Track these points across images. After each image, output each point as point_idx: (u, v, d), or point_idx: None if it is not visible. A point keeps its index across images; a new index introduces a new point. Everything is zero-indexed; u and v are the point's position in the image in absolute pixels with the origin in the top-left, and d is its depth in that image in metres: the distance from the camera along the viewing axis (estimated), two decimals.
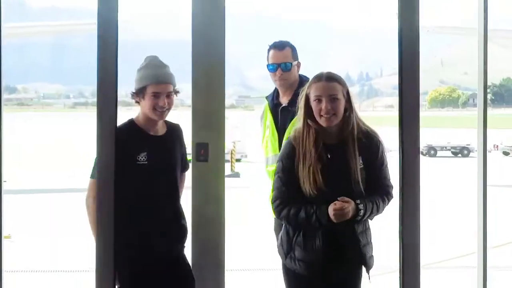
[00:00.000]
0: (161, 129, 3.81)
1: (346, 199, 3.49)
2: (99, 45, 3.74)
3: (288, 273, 3.75)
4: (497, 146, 28.58)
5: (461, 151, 27.91)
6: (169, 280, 3.80)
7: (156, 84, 3.67)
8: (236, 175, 18.64)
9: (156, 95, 3.66)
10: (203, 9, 3.95)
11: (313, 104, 3.58)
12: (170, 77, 3.72)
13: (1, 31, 4.04)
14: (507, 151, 29.33)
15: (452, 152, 28.56)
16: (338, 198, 3.48)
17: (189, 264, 3.87)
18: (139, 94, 3.70)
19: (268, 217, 4.31)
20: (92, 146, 3.62)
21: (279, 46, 4.52)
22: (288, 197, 3.63)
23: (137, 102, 3.74)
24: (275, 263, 3.89)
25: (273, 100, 4.58)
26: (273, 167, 4.40)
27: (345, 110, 3.60)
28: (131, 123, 3.77)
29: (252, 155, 24.11)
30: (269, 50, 4.54)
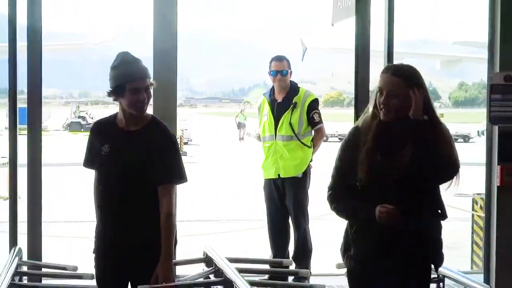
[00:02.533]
0: (137, 124, 2.92)
1: None
2: (29, 54, 4.08)
3: (347, 275, 2.56)
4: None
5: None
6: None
7: (133, 81, 2.83)
8: (184, 154, 18.92)
9: (136, 91, 2.82)
10: (161, 33, 4.16)
11: None
12: (145, 71, 2.88)
13: None
14: None
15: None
16: None
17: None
18: (117, 92, 2.85)
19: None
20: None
21: (279, 59, 4.75)
22: None
23: (115, 100, 2.89)
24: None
25: (270, 96, 4.78)
26: (268, 143, 4.69)
27: None
28: (110, 117, 3.00)
29: (195, 139, 24.85)
30: (271, 62, 4.77)
